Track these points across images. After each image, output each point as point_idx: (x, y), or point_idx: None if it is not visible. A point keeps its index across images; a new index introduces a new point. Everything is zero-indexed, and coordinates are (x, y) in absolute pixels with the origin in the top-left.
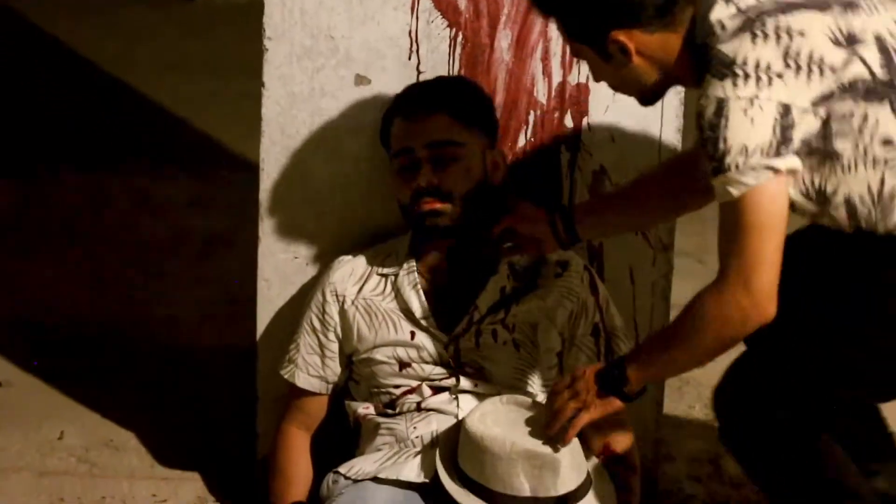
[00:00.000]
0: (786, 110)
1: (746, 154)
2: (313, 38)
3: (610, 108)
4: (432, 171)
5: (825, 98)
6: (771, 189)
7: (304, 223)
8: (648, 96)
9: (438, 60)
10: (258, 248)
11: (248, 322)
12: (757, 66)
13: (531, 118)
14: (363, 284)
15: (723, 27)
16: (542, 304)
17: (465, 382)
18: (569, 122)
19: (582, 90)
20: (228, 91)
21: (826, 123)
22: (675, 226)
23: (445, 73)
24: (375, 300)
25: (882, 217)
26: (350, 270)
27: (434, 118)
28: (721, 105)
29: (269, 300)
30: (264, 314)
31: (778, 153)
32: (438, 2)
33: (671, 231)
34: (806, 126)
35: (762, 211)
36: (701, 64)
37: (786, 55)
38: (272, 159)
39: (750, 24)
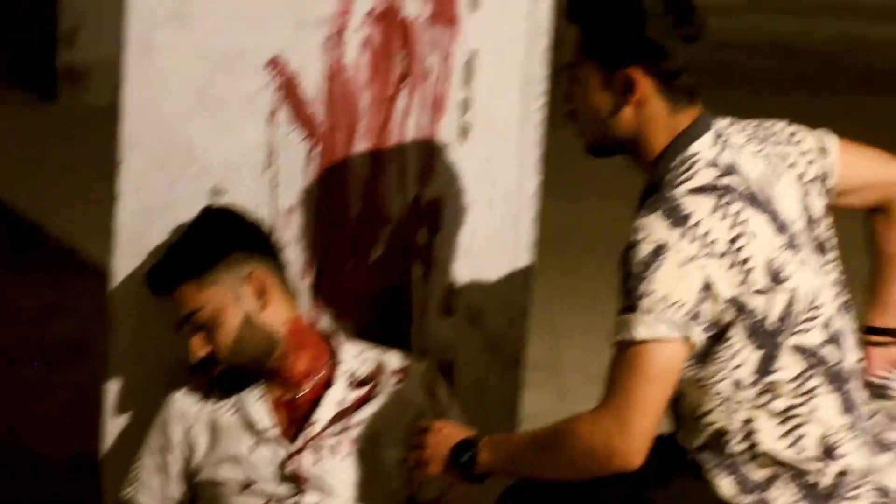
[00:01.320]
0: (709, 288)
1: (667, 305)
2: (170, 149)
3: (464, 223)
4: (201, 343)
5: (735, 306)
6: (674, 348)
7: (154, 335)
8: (601, 146)
9: (295, 173)
10: (107, 360)
11: (98, 433)
12: (706, 234)
13: (385, 232)
14: (207, 399)
15: (694, 169)
16: (382, 414)
17: (309, 499)
18: (422, 235)
19: (436, 205)
20: (88, 196)
21: (723, 327)
22: (528, 339)
23: (301, 185)
24: (219, 414)
25: (689, 436)
26: (194, 388)
27: (175, 295)
28: (661, 249)
29: (116, 413)
30: (112, 427)
31: (694, 319)
32: (296, 114)
33: (521, 346)
34: (714, 314)
35: (660, 364)
36: (659, 182)
37: (732, 242)
38: (124, 269)
39: (718, 194)
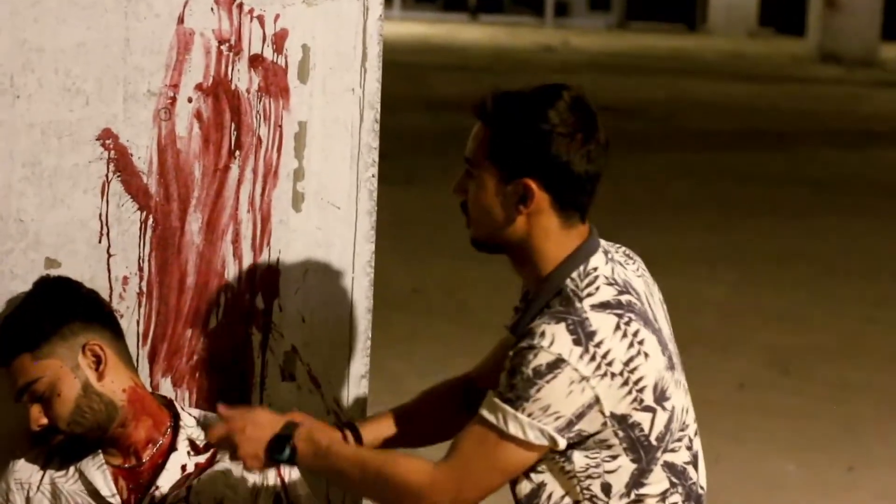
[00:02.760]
0: (594, 406)
1: (545, 415)
2: (2, 220)
3: (300, 289)
4: (39, 412)
5: (618, 421)
6: (532, 452)
7: None
8: (487, 244)
9: (129, 243)
10: None
11: None
12: (605, 354)
13: (222, 300)
14: (48, 467)
15: (596, 284)
16: (225, 478)
17: None
18: (260, 303)
19: (272, 272)
20: None
21: (597, 441)
22: (369, 402)
23: (136, 255)
24: (60, 482)
25: None
26: (35, 455)
27: (11, 366)
28: (559, 364)
29: None
30: None
31: (566, 429)
32: (128, 185)
33: (363, 409)
34: (593, 427)
35: (513, 462)
36: (560, 292)
37: (627, 363)
38: None
39: (619, 312)
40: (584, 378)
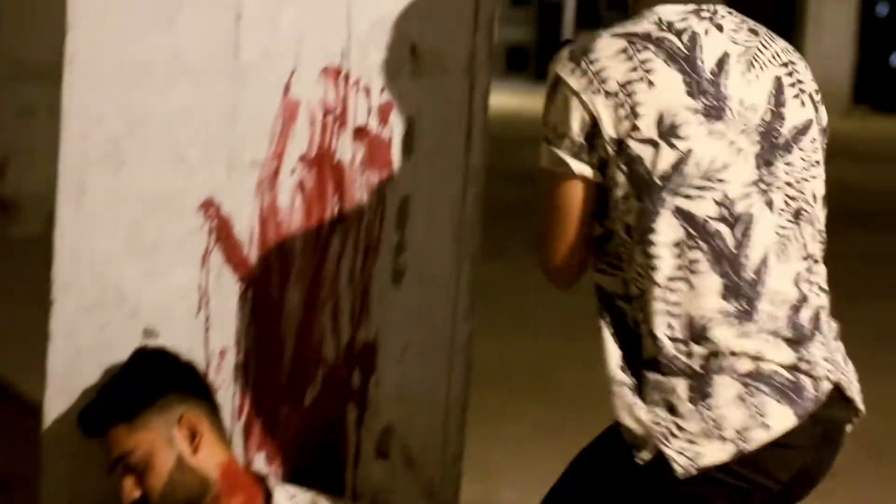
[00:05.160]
0: (595, 125)
1: (557, 136)
2: (102, 289)
3: (398, 366)
4: (133, 485)
5: (617, 148)
6: (569, 179)
7: (87, 476)
8: None
9: (227, 315)
10: (40, 501)
11: None
12: (599, 72)
13: (319, 375)
14: None
15: (639, 19)
16: None
17: None
18: (357, 379)
19: (371, 348)
20: (20, 328)
21: (610, 176)
22: (461, 482)
23: (235, 327)
24: None
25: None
26: None
27: (106, 437)
28: (556, 83)
29: None
30: None
31: (579, 153)
32: (229, 256)
33: (456, 489)
34: (601, 152)
35: (557, 192)
36: None
37: (625, 86)
38: (56, 409)
39: (635, 40)
40: (575, 93)
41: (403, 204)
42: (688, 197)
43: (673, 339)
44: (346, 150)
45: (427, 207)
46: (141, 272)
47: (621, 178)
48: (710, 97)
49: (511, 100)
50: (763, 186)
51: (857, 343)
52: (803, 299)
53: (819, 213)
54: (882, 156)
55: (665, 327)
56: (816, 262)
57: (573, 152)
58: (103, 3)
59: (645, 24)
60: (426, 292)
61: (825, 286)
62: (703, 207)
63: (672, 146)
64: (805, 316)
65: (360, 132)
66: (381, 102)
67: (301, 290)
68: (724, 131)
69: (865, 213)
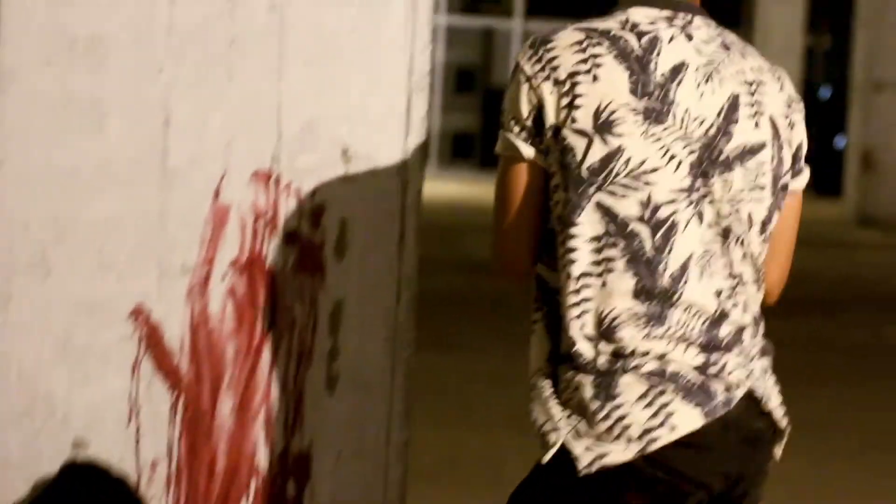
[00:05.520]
0: (540, 107)
1: (509, 120)
2: (31, 399)
3: (334, 474)
4: None
5: (555, 135)
6: (519, 164)
7: None
8: None
9: (159, 425)
10: None
11: None
12: (551, 60)
13: (252, 485)
14: None
15: (605, 18)
16: None
17: None
18: (291, 489)
19: (305, 457)
20: None
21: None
22: None
23: (166, 438)
24: None
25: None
26: None
27: None
28: (515, 69)
29: None
30: None
31: (528, 139)
32: (160, 364)
33: None
34: (546, 139)
35: (508, 177)
36: None
37: (571, 76)
38: None
39: (592, 35)
40: (528, 78)
41: (336, 309)
42: (612, 194)
43: (583, 336)
44: (278, 256)
45: (360, 312)
46: (70, 380)
47: (555, 167)
48: (654, 99)
49: (456, 188)
50: (694, 197)
51: (795, 428)
52: (723, 315)
53: (754, 238)
54: (827, 240)
55: (577, 322)
56: (744, 283)
57: (522, 137)
58: (32, 108)
59: (610, 22)
60: (361, 398)
61: (755, 308)
62: (627, 207)
63: (604, 141)
64: (724, 331)
65: (291, 237)
66: (312, 206)
67: (233, 399)
68: (660, 135)
69: (810, 299)
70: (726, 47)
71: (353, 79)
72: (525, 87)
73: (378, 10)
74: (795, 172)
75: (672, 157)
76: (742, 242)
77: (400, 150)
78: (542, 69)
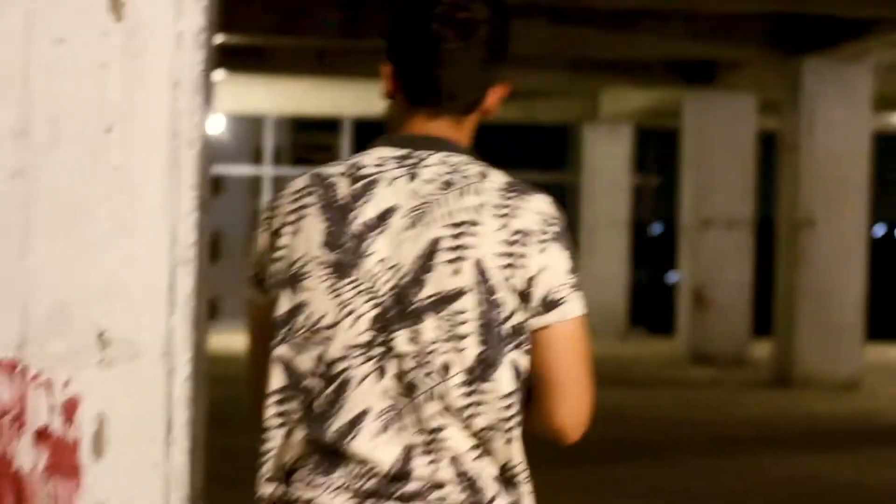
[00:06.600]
0: (261, 258)
1: (250, 265)
2: None
3: None
4: None
5: (270, 286)
6: (253, 304)
7: None
8: None
9: None
10: None
11: None
12: (274, 209)
13: None
14: None
15: (343, 160)
16: None
17: None
18: None
19: None
20: None
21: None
22: None
23: None
24: None
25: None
26: None
27: None
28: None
29: None
30: None
31: (256, 286)
32: None
33: None
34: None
35: (250, 315)
36: None
37: (280, 228)
38: None
39: (313, 182)
40: (259, 226)
41: None
42: (294, 347)
43: (269, 480)
44: (27, 457)
45: None
46: None
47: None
48: (346, 252)
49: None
50: (375, 353)
51: None
52: (406, 472)
53: (451, 388)
54: (659, 379)
55: (268, 468)
56: (445, 439)
57: (253, 283)
58: None
59: (340, 166)
60: None
61: (470, 464)
62: (303, 361)
63: (292, 295)
64: (412, 487)
65: (42, 434)
66: (65, 399)
67: None
68: (342, 290)
69: (643, 442)
70: (447, 185)
71: (108, 253)
72: (256, 234)
73: (134, 174)
74: (537, 310)
75: (351, 313)
76: (435, 397)
77: (163, 331)
78: (267, 219)
